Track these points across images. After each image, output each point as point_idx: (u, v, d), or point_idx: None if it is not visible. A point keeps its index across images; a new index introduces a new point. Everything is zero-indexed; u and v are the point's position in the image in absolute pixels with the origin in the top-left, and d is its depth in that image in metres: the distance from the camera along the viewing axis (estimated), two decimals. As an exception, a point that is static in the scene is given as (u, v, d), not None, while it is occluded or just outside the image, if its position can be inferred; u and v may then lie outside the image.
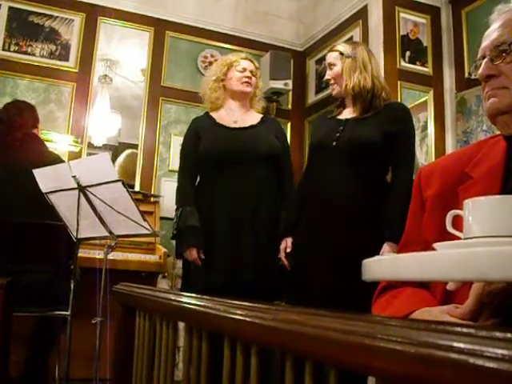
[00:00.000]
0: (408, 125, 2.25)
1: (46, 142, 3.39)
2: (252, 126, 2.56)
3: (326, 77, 2.38)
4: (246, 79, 2.60)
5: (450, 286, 0.78)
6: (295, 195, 2.41)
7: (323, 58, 3.88)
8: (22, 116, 2.75)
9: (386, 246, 2.08)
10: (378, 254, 2.04)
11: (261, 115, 2.69)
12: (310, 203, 2.27)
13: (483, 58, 0.98)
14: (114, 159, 4.58)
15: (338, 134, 2.22)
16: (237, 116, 2.60)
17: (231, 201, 2.39)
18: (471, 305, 0.75)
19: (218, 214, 2.40)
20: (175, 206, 2.52)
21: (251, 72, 2.64)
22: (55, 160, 2.61)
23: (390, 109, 2.26)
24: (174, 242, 3.85)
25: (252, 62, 2.70)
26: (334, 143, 2.22)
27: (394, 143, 2.18)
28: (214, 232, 2.39)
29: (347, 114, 2.32)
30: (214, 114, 2.62)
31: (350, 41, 3.91)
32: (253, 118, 2.63)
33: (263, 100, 2.85)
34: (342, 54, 2.33)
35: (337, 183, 2.18)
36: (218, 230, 2.39)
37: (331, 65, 2.36)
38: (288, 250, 2.31)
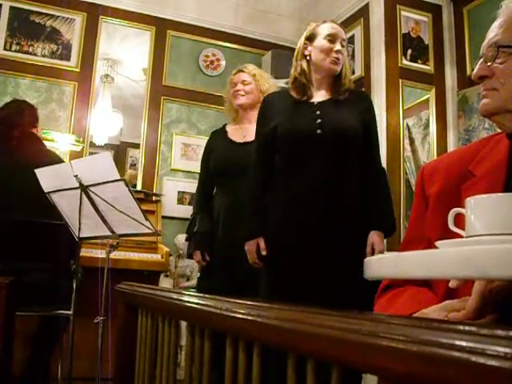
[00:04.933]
0: (374, 113, 2.31)
1: (47, 142, 3.40)
2: None
3: (339, 48, 2.19)
4: (235, 93, 2.72)
5: (452, 284, 0.78)
6: (254, 188, 2.21)
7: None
8: (20, 115, 2.74)
9: (374, 236, 2.06)
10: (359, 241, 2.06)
11: None
12: (295, 194, 2.10)
13: (481, 57, 0.98)
14: (115, 158, 4.59)
15: (318, 121, 2.11)
16: (246, 130, 2.69)
17: (229, 208, 2.52)
18: (474, 304, 0.75)
19: (219, 223, 2.56)
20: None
21: (243, 82, 2.72)
22: (53, 159, 2.60)
23: (360, 96, 2.29)
24: (175, 241, 3.95)
25: (243, 71, 2.78)
26: (319, 131, 2.10)
27: (367, 131, 2.18)
28: (215, 236, 2.55)
29: (318, 97, 2.21)
30: (229, 128, 2.79)
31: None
32: None
33: None
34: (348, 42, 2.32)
35: (323, 170, 2.07)
36: (217, 237, 2.54)
37: (343, 43, 2.23)
38: (264, 253, 2.11)
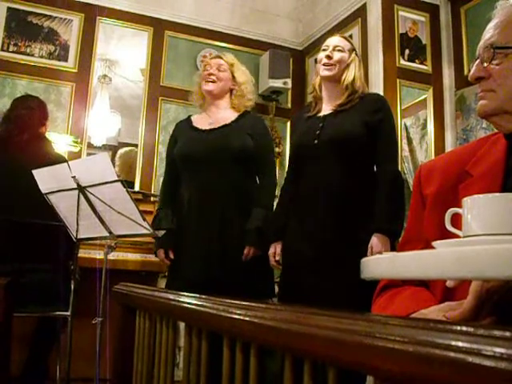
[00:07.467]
0: (387, 113, 2.23)
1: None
2: (224, 126, 2.52)
3: (328, 53, 2.26)
4: (206, 77, 2.57)
5: (449, 283, 0.78)
6: (281, 198, 2.37)
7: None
8: (31, 116, 2.72)
9: (374, 239, 2.04)
10: (365, 247, 2.05)
11: (238, 113, 2.60)
12: (296, 204, 2.24)
13: (477, 58, 0.98)
14: (113, 159, 4.57)
15: (317, 132, 2.19)
16: (213, 117, 2.58)
17: (198, 200, 2.43)
18: (470, 303, 0.75)
19: (186, 215, 2.45)
20: None
21: (218, 67, 2.58)
22: (55, 160, 2.58)
23: (367, 100, 2.24)
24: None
25: (220, 57, 2.66)
26: (316, 141, 2.17)
27: (375, 133, 2.16)
28: (184, 231, 2.45)
29: (326, 110, 2.27)
30: (193, 117, 2.67)
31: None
32: (228, 116, 2.57)
33: (251, 96, 2.67)
34: (354, 49, 2.32)
35: (321, 179, 2.14)
36: (186, 229, 2.44)
37: (338, 48, 2.27)
38: (277, 258, 2.26)
